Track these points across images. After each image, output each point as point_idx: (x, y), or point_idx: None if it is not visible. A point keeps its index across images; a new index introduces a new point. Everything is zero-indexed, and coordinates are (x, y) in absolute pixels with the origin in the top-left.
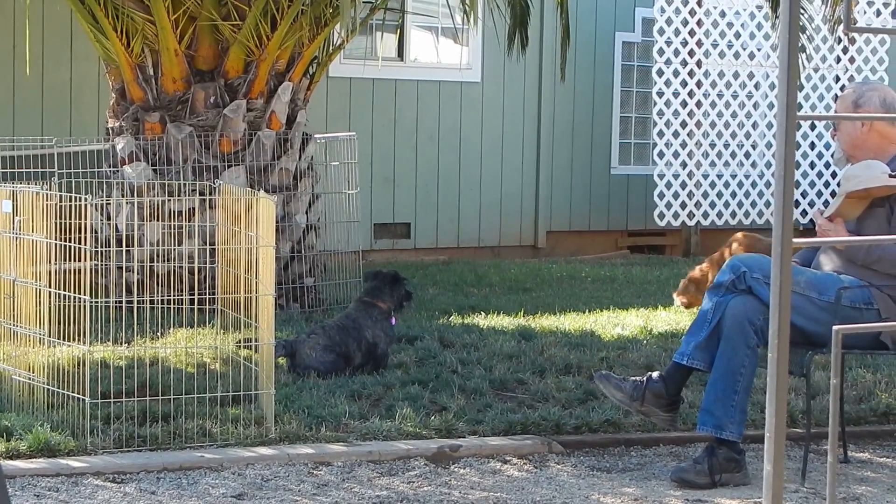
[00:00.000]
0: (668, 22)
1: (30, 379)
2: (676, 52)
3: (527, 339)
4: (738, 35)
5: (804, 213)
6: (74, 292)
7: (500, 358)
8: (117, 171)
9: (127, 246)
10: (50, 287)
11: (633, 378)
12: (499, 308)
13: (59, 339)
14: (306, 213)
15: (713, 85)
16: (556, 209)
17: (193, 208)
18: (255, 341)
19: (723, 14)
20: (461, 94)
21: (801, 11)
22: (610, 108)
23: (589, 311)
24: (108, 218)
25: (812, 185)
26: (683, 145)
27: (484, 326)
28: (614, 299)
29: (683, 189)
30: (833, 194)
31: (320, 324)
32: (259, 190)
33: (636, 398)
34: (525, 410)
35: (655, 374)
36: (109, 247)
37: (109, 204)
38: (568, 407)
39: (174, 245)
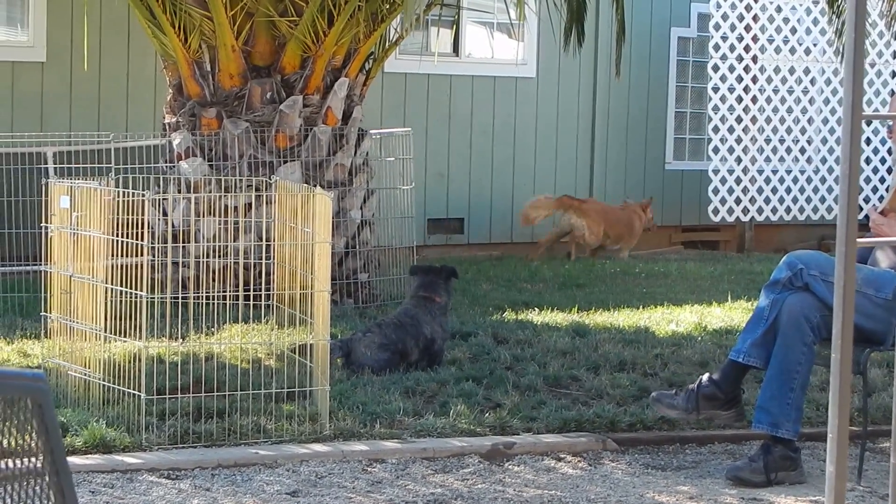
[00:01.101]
0: (724, 17)
1: (86, 375)
2: (732, 48)
3: (581, 335)
4: (793, 30)
5: (858, 208)
6: (130, 288)
7: (554, 354)
8: (173, 166)
9: (183, 241)
10: (106, 282)
11: (686, 388)
12: (552, 304)
13: (114, 334)
14: (361, 208)
15: (768, 80)
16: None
17: (249, 204)
18: (308, 344)
19: (779, 9)
20: (516, 90)
21: None
22: (665, 104)
23: (643, 308)
24: (164, 213)
25: (867, 180)
26: (738, 141)
27: (537, 322)
28: (668, 295)
29: (738, 185)
30: (888, 190)
31: (376, 321)
32: (314, 186)
33: (691, 409)
34: (579, 407)
35: (705, 378)
36: (165, 242)
37: (166, 199)
38: (622, 404)
39: (230, 241)
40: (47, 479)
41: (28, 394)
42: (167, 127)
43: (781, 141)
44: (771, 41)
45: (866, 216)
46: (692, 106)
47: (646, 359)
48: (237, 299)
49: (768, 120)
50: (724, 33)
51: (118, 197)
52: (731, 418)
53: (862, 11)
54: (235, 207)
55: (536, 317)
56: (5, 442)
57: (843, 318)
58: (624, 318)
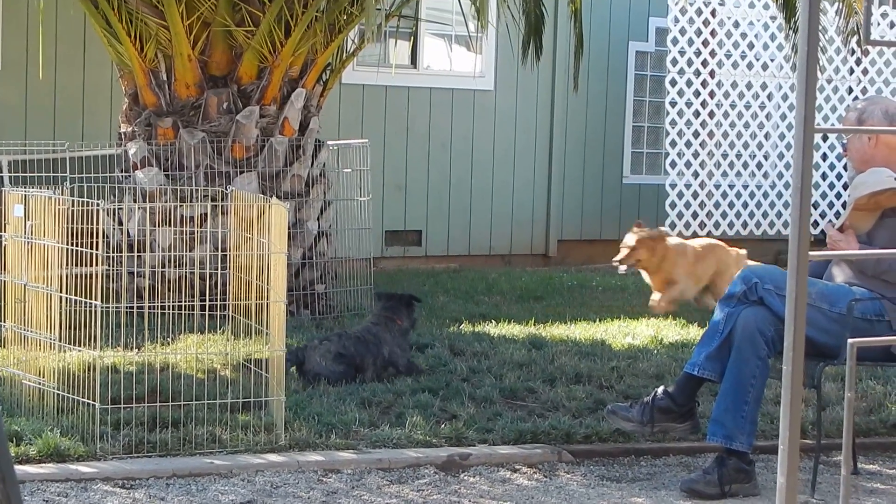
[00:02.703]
0: (682, 32)
1: (40, 384)
2: (690, 62)
3: (537, 347)
4: (751, 46)
5: (815, 223)
6: (85, 297)
7: (511, 366)
8: (129, 176)
9: (138, 251)
10: (61, 292)
11: (641, 401)
12: (509, 316)
13: (69, 343)
14: (318, 219)
15: (726, 95)
16: (567, 218)
17: (205, 214)
18: (264, 359)
19: (736, 24)
20: (474, 102)
21: None
22: (622, 118)
23: (599, 321)
24: (120, 223)
25: (823, 196)
26: (695, 155)
27: (494, 335)
28: (625, 309)
29: (695, 199)
30: (844, 206)
31: (336, 331)
32: (271, 196)
33: (646, 422)
34: (535, 419)
35: (660, 390)
36: (120, 252)
37: (121, 209)
38: (578, 416)
39: (185, 251)
40: None
41: None
42: (123, 136)
43: (738, 156)
44: (728, 56)
45: (823, 232)
46: (650, 120)
47: (602, 371)
48: (193, 309)
49: (725, 135)
50: (682, 48)
51: (73, 206)
52: (686, 431)
53: (815, 19)
54: (191, 217)
55: (493, 329)
56: None
57: (794, 331)
58: (581, 331)
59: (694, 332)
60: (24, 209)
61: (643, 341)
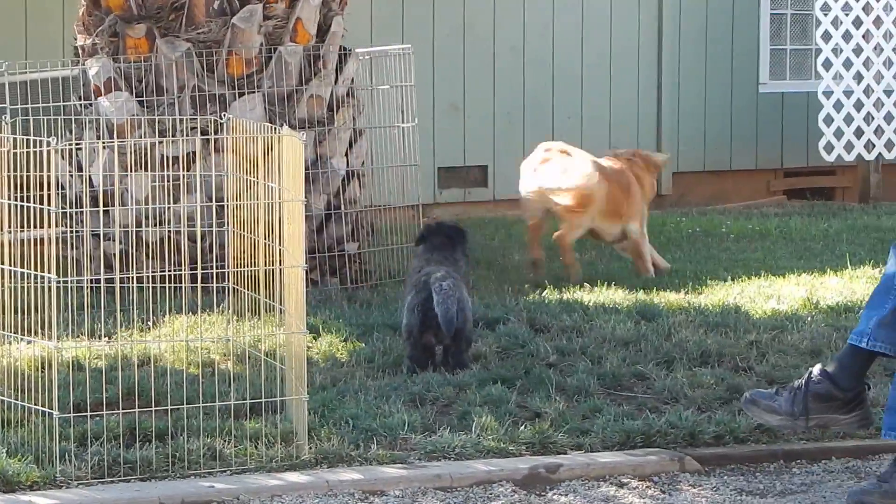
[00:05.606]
0: None
1: None
2: None
3: (648, 318)
4: None
5: None
6: (35, 270)
7: (613, 345)
8: (90, 104)
9: (105, 205)
10: (2, 263)
11: (790, 386)
12: (609, 277)
13: (15, 332)
14: (346, 155)
15: None
16: (684, 143)
17: (193, 152)
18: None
19: None
20: None
21: None
22: (756, 4)
23: (732, 279)
24: (79, 168)
25: None
26: (857, 51)
27: (589, 303)
28: (766, 262)
29: (859, 111)
30: None
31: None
32: (282, 125)
33: (798, 414)
34: (647, 415)
35: (816, 371)
36: (81, 207)
37: (80, 149)
38: (706, 409)
39: (168, 203)
40: None
41: None
42: (80, 51)
43: None
44: None
45: None
46: (794, 6)
47: (737, 348)
48: (180, 281)
49: None
50: None
51: (15, 147)
52: (853, 424)
53: None
54: (175, 158)
55: (587, 295)
56: None
57: None
58: (707, 295)
59: (861, 291)
60: None
61: (792, 306)
